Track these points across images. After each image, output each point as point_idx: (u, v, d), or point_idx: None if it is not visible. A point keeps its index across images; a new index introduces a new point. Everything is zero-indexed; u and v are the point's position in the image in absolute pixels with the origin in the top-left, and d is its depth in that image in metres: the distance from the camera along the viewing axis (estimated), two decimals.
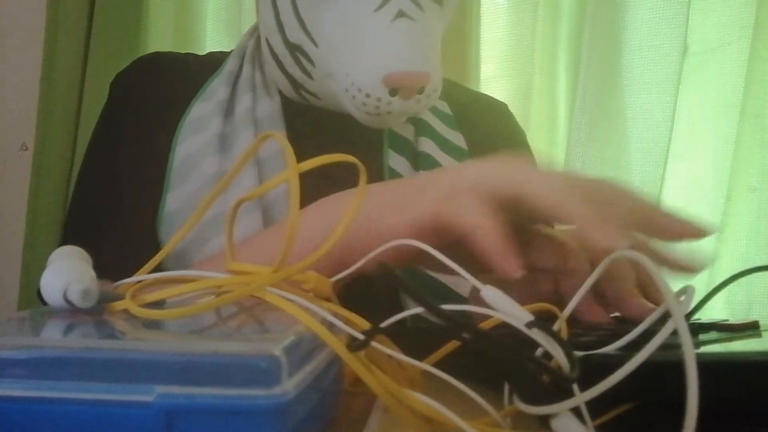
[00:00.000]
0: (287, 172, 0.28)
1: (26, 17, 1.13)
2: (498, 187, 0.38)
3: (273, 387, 0.19)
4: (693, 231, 0.37)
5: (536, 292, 0.42)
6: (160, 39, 1.08)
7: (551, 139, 1.07)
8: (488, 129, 0.73)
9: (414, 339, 0.30)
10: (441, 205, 0.39)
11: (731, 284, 0.39)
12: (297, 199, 0.28)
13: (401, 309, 0.30)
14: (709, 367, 0.19)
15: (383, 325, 0.24)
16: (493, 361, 0.22)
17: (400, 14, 0.53)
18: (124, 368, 0.19)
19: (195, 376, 0.19)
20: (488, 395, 0.24)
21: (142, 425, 0.18)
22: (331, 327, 0.25)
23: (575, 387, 0.22)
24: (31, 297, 1.01)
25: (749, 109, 0.94)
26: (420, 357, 0.29)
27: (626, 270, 0.40)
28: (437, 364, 0.26)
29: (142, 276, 0.31)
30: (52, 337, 0.24)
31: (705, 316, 0.39)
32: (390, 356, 0.25)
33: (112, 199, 0.60)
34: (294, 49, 0.59)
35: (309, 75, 0.60)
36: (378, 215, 0.41)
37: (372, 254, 0.34)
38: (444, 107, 0.71)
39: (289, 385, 0.19)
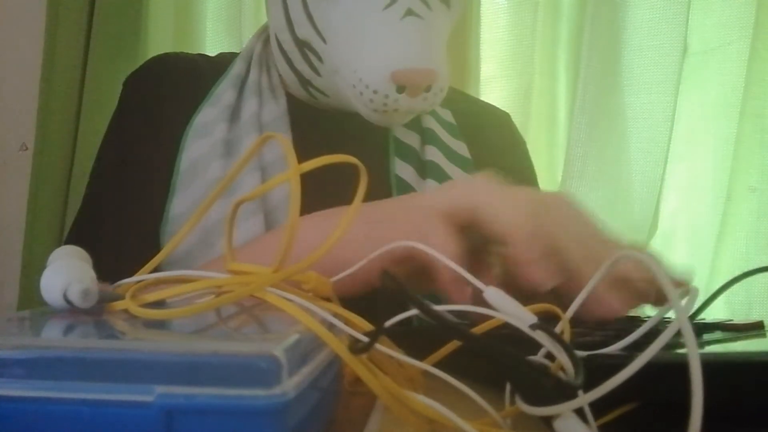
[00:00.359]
0: (288, 172, 0.28)
1: (26, 17, 1.13)
2: (457, 212, 0.40)
3: (273, 387, 0.18)
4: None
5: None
6: (160, 39, 1.08)
7: (551, 139, 1.07)
8: (491, 139, 0.74)
9: (420, 338, 0.30)
10: (407, 234, 0.40)
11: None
12: (298, 198, 0.28)
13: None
14: (713, 367, 0.19)
15: (386, 325, 0.24)
16: (495, 362, 0.22)
17: (409, 12, 0.53)
18: (124, 368, 0.19)
19: (195, 376, 0.19)
20: (489, 395, 0.24)
21: (142, 425, 0.18)
22: (331, 327, 0.25)
23: None
24: (31, 297, 1.01)
25: (749, 109, 0.94)
26: (427, 355, 0.29)
27: (628, 273, 0.40)
28: (438, 364, 0.26)
29: (142, 276, 0.31)
30: (52, 337, 0.24)
31: (705, 316, 0.39)
32: (390, 356, 0.25)
33: (119, 201, 0.61)
34: (302, 45, 0.60)
35: (317, 71, 0.60)
36: (354, 240, 0.41)
37: (372, 255, 0.34)
38: (448, 116, 0.71)
39: (289, 385, 0.19)
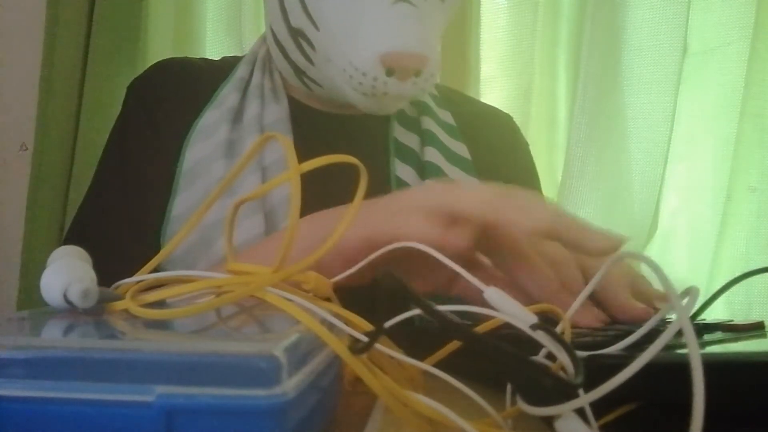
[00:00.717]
0: (289, 172, 0.28)
1: (26, 17, 1.13)
2: (438, 205, 0.41)
3: (273, 387, 0.18)
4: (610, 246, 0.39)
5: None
6: (160, 40, 1.08)
7: (551, 139, 1.06)
8: (492, 140, 0.74)
9: (422, 338, 0.30)
10: (386, 224, 0.41)
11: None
12: (298, 198, 0.28)
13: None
14: (714, 367, 0.19)
15: (387, 325, 0.24)
16: (496, 362, 0.22)
17: None
18: (124, 368, 0.19)
19: (195, 376, 0.19)
20: (490, 396, 0.24)
21: (142, 425, 0.18)
22: (331, 327, 0.25)
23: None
24: (31, 297, 1.01)
25: (749, 109, 0.94)
26: (429, 355, 0.29)
27: (620, 276, 0.41)
28: (438, 364, 0.26)
29: (142, 276, 0.31)
30: (52, 337, 0.24)
31: (706, 316, 0.39)
32: (391, 356, 0.25)
33: (120, 202, 0.61)
34: (296, 34, 0.60)
35: (310, 60, 0.61)
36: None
37: (372, 256, 0.34)
38: (448, 118, 0.71)
39: (289, 385, 0.19)
